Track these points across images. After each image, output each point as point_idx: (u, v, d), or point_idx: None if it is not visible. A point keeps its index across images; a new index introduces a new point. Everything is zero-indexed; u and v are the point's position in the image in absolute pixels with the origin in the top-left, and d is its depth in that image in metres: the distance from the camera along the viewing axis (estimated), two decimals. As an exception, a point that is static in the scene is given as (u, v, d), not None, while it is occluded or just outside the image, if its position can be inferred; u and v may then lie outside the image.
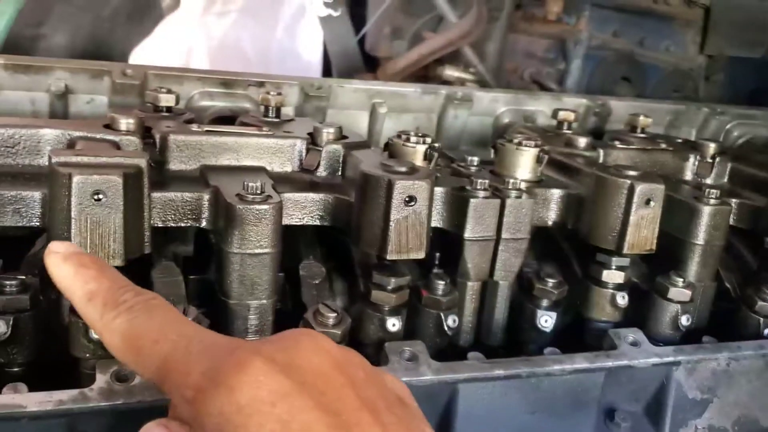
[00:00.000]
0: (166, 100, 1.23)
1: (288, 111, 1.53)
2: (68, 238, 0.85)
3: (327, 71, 3.68)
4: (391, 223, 0.98)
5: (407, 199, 0.97)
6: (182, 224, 1.03)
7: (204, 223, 1.03)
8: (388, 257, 1.00)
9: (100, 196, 0.84)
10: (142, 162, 0.90)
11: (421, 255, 1.01)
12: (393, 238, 0.98)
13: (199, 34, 3.85)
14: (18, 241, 1.18)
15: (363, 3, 3.17)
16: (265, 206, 0.97)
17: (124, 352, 0.67)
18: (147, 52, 2.25)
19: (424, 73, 2.70)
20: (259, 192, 0.98)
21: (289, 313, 1.13)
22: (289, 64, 4.10)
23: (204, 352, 0.63)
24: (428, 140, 1.18)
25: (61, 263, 0.70)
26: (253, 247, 0.98)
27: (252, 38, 4.12)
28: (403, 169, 1.00)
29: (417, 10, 3.08)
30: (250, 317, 1.01)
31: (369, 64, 3.27)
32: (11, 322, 0.92)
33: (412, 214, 0.98)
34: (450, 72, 2.59)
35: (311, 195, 1.09)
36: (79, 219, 0.84)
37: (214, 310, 1.02)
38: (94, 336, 0.91)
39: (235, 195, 0.98)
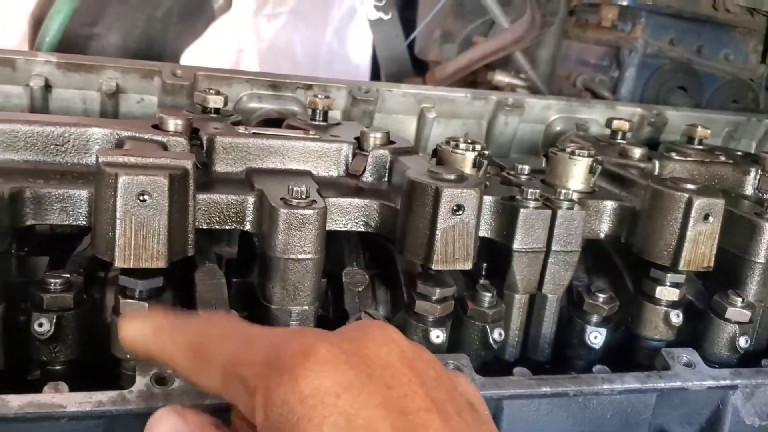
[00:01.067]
0: (215, 101, 1.23)
1: (335, 114, 1.52)
2: (113, 239, 0.84)
3: (375, 75, 3.68)
4: (437, 232, 0.95)
5: (455, 207, 0.95)
6: (226, 227, 1.02)
7: (248, 226, 1.02)
8: (434, 267, 0.97)
9: (146, 197, 0.84)
10: (188, 163, 0.89)
11: (468, 266, 0.98)
12: (439, 248, 0.96)
13: (249, 35, 3.89)
14: (65, 238, 1.20)
15: (413, 6, 3.16)
16: (310, 211, 0.95)
17: (190, 360, 0.64)
18: (198, 53, 2.26)
19: (474, 78, 2.67)
20: (304, 196, 0.96)
21: (330, 320, 1.11)
22: (338, 67, 4.12)
23: (269, 344, 0.60)
24: (478, 147, 1.16)
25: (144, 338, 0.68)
26: (296, 252, 0.96)
27: (301, 40, 4.15)
28: (452, 176, 0.97)
29: (468, 14, 3.05)
30: (291, 323, 0.99)
31: (417, 68, 3.25)
32: (54, 321, 0.92)
33: (459, 223, 0.95)
34: (500, 77, 2.55)
35: (356, 200, 1.07)
36: (124, 219, 0.84)
37: (256, 314, 1.01)
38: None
39: (280, 199, 0.97)
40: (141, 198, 0.84)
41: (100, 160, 0.85)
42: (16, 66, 1.38)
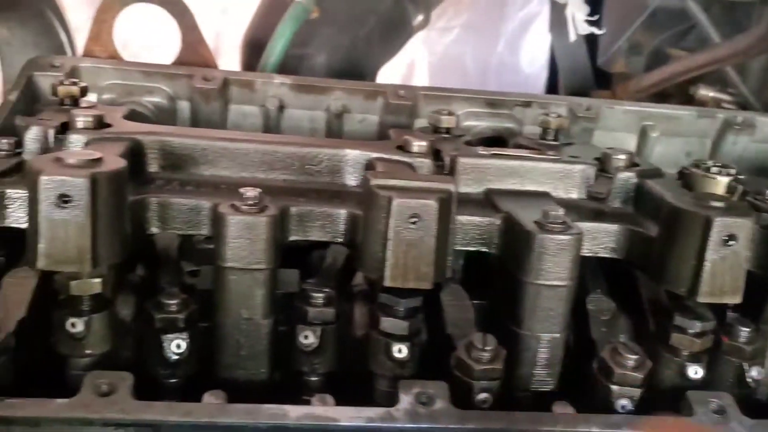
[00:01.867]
0: (448, 121, 1.24)
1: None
2: (383, 259, 0.87)
3: (551, 87, 3.61)
4: (706, 263, 0.91)
5: (726, 238, 0.90)
6: (470, 248, 1.02)
7: (493, 249, 1.02)
8: (699, 299, 0.92)
9: (416, 220, 0.86)
10: (452, 187, 0.90)
11: (737, 299, 0.93)
12: (707, 280, 0.91)
13: (421, 49, 3.93)
14: (300, 251, 1.25)
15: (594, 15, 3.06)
16: (567, 237, 0.94)
17: None
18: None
19: (669, 93, 2.55)
20: (559, 221, 0.95)
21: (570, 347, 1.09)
22: (508, 79, 4.07)
23: None
24: (732, 171, 1.09)
25: None
26: (550, 278, 0.95)
27: (473, 53, 4.14)
28: (721, 205, 0.93)
29: (658, 25, 2.91)
30: (540, 350, 0.98)
31: (599, 81, 3.15)
32: (318, 334, 0.96)
33: (731, 254, 0.90)
34: (704, 92, 2.41)
35: (603, 225, 1.05)
36: (396, 240, 0.86)
37: (501, 338, 1.00)
38: (398, 355, 0.93)
39: (534, 222, 0.96)
40: (412, 220, 0.86)
41: (372, 183, 0.88)
42: (254, 88, 1.47)
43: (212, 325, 0.96)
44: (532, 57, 3.95)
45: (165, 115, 1.43)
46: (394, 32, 2.29)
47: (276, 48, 1.74)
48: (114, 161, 0.87)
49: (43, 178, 0.80)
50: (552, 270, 0.94)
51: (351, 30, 2.14)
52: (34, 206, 0.82)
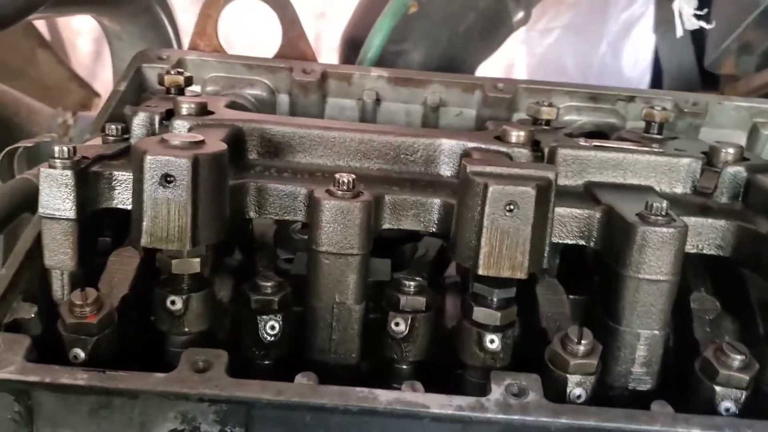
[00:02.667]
0: (548, 113, 1.21)
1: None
2: (477, 247, 0.86)
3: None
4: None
5: None
6: (568, 241, 1.00)
7: (592, 242, 0.99)
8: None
9: (512, 207, 0.84)
10: (552, 175, 0.88)
11: None
12: (826, 279, 0.85)
13: (521, 49, 3.87)
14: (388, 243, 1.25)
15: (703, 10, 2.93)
16: (671, 230, 0.90)
17: None
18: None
19: (770, 93, 2.42)
20: (663, 213, 0.91)
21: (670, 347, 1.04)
22: (609, 81, 3.95)
23: None
24: None
25: None
26: (652, 272, 0.91)
27: (573, 54, 4.04)
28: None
29: (773, 24, 2.76)
30: (639, 347, 0.94)
31: (706, 82, 3.01)
32: (409, 321, 0.95)
33: None
34: (823, 92, 2.28)
35: (709, 221, 1.00)
36: (490, 228, 0.84)
37: (598, 334, 0.97)
38: (490, 346, 0.91)
39: (636, 215, 0.92)
40: (508, 208, 0.84)
41: (468, 169, 0.87)
42: (352, 81, 1.48)
43: (305, 309, 0.97)
44: (635, 59, 3.84)
45: (265, 108, 1.46)
46: (494, 29, 2.26)
47: (374, 43, 1.75)
48: (216, 144, 0.89)
49: (148, 158, 0.83)
50: (654, 264, 0.90)
51: (449, 26, 2.13)
52: (139, 185, 0.85)
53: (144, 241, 0.85)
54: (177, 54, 1.45)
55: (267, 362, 0.99)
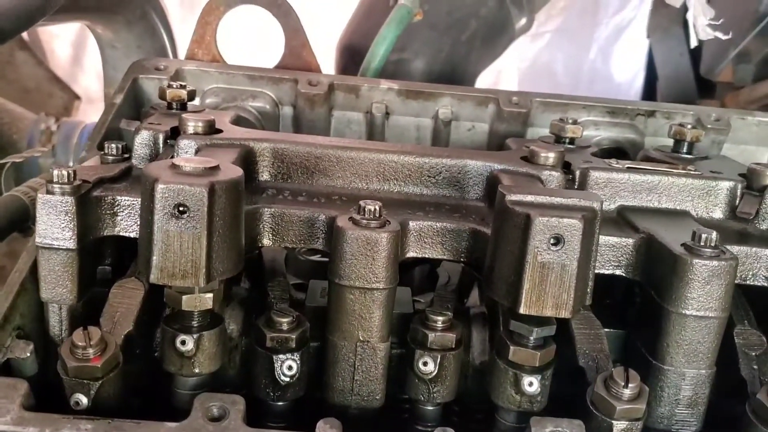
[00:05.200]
0: (572, 131, 1.15)
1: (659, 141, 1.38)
2: (517, 283, 0.79)
3: (648, 95, 3.46)
4: None
5: None
6: (603, 271, 0.93)
7: (630, 272, 0.93)
8: None
9: (557, 241, 0.77)
10: (597, 205, 0.81)
11: None
12: None
13: (511, 55, 3.82)
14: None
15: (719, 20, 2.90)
16: (722, 263, 0.84)
17: None
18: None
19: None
20: (712, 245, 0.85)
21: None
22: (599, 86, 3.93)
23: None
24: None
25: None
26: (700, 308, 0.85)
27: (564, 59, 4.01)
28: None
29: (768, 32, 2.73)
30: (684, 387, 0.88)
31: (702, 90, 2.98)
32: (438, 360, 0.88)
33: None
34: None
35: (753, 249, 0.94)
36: (533, 264, 0.78)
37: (639, 370, 0.90)
38: (528, 389, 0.84)
39: (681, 245, 0.86)
40: (553, 242, 0.77)
41: (507, 198, 0.80)
42: (360, 93, 1.41)
43: (323, 345, 0.90)
44: (625, 64, 3.81)
45: (268, 121, 1.39)
46: (496, 36, 2.20)
47: (379, 52, 1.67)
48: (230, 170, 0.82)
49: (160, 187, 0.75)
50: (702, 299, 0.84)
51: (452, 34, 2.07)
52: (148, 215, 0.77)
53: (153, 277, 0.78)
54: (175, 64, 1.37)
55: (280, 403, 0.91)
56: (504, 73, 3.72)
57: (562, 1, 3.87)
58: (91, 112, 2.96)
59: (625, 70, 3.83)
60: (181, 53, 1.63)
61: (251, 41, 2.19)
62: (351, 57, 2.12)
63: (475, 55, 2.17)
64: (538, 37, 3.82)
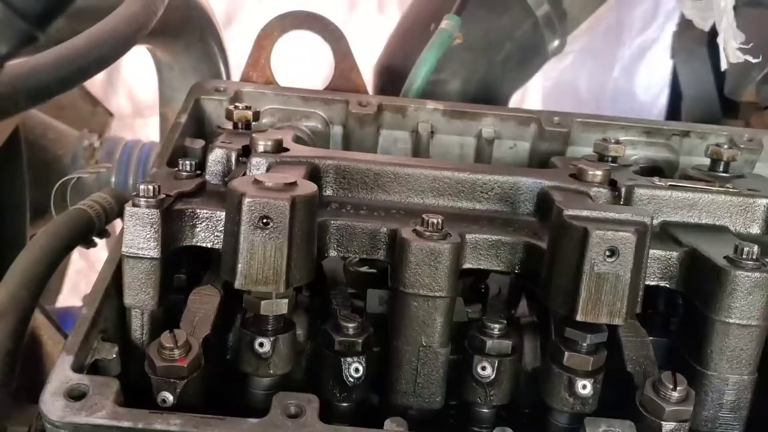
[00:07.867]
0: (615, 150, 1.21)
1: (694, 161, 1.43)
2: (574, 292, 0.85)
3: (673, 115, 3.50)
4: None
5: None
6: (649, 282, 0.99)
7: (673, 284, 0.99)
8: None
9: (613, 253, 0.83)
10: (648, 220, 0.87)
11: None
12: None
13: (536, 74, 3.89)
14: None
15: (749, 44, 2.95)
16: (764, 274, 0.89)
17: None
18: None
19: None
20: (753, 258, 0.90)
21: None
22: (622, 105, 3.98)
23: None
24: None
25: None
26: (743, 317, 0.90)
27: (587, 78, 4.07)
28: None
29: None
30: (727, 392, 0.94)
31: (726, 110, 3.02)
32: (495, 365, 0.94)
33: None
34: None
35: (792, 264, 0.99)
36: (589, 274, 0.84)
37: (687, 376, 0.95)
38: (582, 391, 0.90)
39: (724, 258, 0.92)
40: (608, 254, 0.83)
41: (565, 213, 0.86)
42: (406, 113, 1.48)
43: (387, 350, 0.96)
44: (648, 83, 3.87)
45: (319, 139, 1.46)
46: (530, 58, 2.27)
47: (420, 73, 1.74)
48: (307, 185, 0.89)
49: (247, 200, 0.82)
50: (745, 309, 0.90)
51: (487, 55, 2.14)
52: (234, 227, 0.84)
53: (239, 283, 0.85)
54: (234, 86, 1.45)
55: (346, 404, 0.97)
56: (529, 90, 3.79)
57: (586, 22, 3.92)
58: (123, 130, 3.06)
59: (648, 90, 3.89)
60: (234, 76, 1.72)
61: (291, 65, 2.27)
62: (388, 78, 2.19)
63: (509, 76, 2.24)
64: (563, 57, 3.88)
